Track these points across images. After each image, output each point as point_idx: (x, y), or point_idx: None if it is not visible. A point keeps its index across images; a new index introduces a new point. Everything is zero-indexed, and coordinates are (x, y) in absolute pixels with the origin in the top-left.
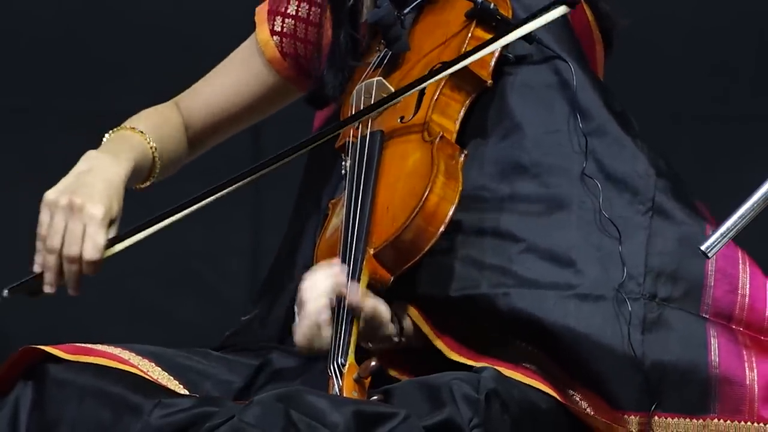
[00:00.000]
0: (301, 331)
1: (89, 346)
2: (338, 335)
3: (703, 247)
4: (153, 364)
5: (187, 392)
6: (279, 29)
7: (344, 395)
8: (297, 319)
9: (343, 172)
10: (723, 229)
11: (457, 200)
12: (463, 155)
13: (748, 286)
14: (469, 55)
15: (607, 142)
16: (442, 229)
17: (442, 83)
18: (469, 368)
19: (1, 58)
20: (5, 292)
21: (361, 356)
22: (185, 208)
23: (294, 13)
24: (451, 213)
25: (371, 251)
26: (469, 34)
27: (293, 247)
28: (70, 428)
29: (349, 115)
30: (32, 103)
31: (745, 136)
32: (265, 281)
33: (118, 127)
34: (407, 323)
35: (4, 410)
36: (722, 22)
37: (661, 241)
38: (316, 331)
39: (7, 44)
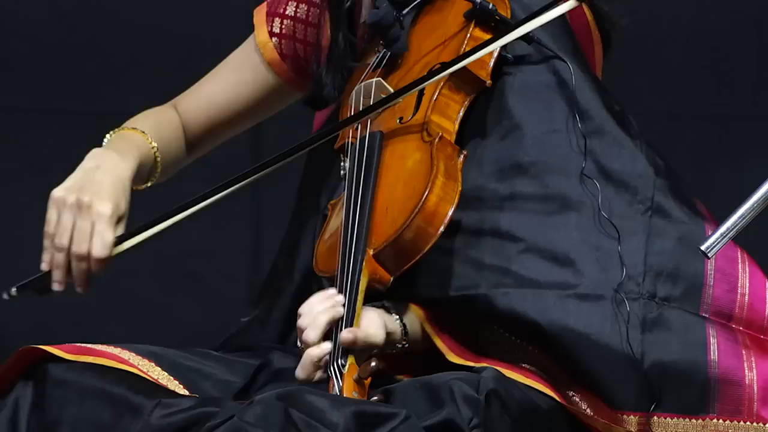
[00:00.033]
0: (303, 371)
1: (89, 346)
2: (338, 340)
3: (703, 247)
4: (153, 364)
5: (187, 392)
6: (278, 31)
7: (344, 395)
8: (299, 343)
9: (342, 173)
10: (723, 229)
11: (456, 200)
12: (462, 156)
13: (747, 285)
14: (468, 56)
15: (606, 142)
16: (441, 229)
17: (441, 84)
18: (469, 368)
19: (0, 58)
20: (13, 290)
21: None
22: (192, 206)
23: (293, 14)
24: (450, 213)
25: (371, 252)
26: (468, 35)
27: (292, 249)
28: (71, 428)
29: (349, 115)
30: (32, 103)
31: (745, 136)
32: (264, 283)
33: (119, 128)
34: (412, 325)
35: (4, 410)
36: (722, 22)
37: (660, 241)
38: (315, 371)
39: (6, 44)
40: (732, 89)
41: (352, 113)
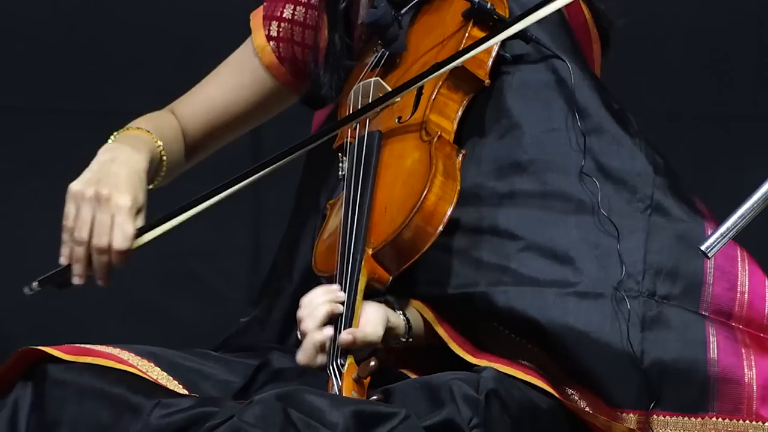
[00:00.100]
0: (304, 354)
1: (88, 346)
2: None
3: (703, 247)
4: (152, 364)
5: (186, 392)
6: (275, 34)
7: (344, 395)
8: (299, 335)
9: (341, 173)
10: (723, 229)
11: (455, 200)
12: (461, 155)
13: (747, 283)
14: (464, 53)
15: (606, 140)
16: (440, 228)
17: (440, 83)
18: (469, 368)
19: (0, 58)
20: (35, 284)
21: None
22: (213, 196)
23: (290, 17)
24: (449, 212)
25: (370, 251)
26: (466, 34)
27: (292, 249)
28: (70, 428)
29: (347, 115)
30: (32, 103)
31: (745, 136)
32: (263, 283)
33: (123, 128)
34: (415, 320)
35: (3, 411)
36: (722, 22)
37: (659, 239)
38: (316, 355)
39: (6, 44)
40: (732, 89)
41: (351, 113)
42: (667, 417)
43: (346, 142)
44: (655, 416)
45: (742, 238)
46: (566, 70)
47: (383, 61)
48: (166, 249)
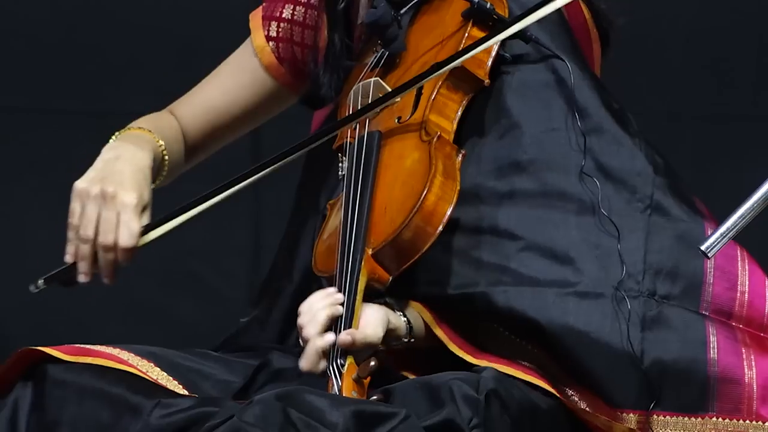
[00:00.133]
0: (307, 360)
1: (88, 346)
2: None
3: (703, 247)
4: (152, 364)
5: (186, 392)
6: (274, 34)
7: (344, 395)
8: (301, 342)
9: (341, 173)
10: (723, 229)
11: (455, 200)
12: (461, 155)
13: (747, 283)
14: (464, 53)
15: (606, 140)
16: (440, 228)
17: (440, 83)
18: (469, 368)
19: (0, 58)
20: (40, 282)
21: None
22: (217, 195)
23: (289, 17)
24: (449, 212)
25: (370, 251)
26: (466, 34)
27: (292, 249)
28: (70, 428)
29: (347, 115)
30: (32, 103)
31: (745, 136)
32: (263, 283)
33: (125, 129)
34: (415, 320)
35: (3, 411)
36: (722, 22)
37: (659, 239)
38: (319, 361)
39: (6, 44)
40: (732, 89)
41: (350, 113)
42: (667, 417)
43: (346, 142)
44: (655, 416)
45: (742, 238)
46: (566, 69)
47: (383, 61)
48: (166, 249)
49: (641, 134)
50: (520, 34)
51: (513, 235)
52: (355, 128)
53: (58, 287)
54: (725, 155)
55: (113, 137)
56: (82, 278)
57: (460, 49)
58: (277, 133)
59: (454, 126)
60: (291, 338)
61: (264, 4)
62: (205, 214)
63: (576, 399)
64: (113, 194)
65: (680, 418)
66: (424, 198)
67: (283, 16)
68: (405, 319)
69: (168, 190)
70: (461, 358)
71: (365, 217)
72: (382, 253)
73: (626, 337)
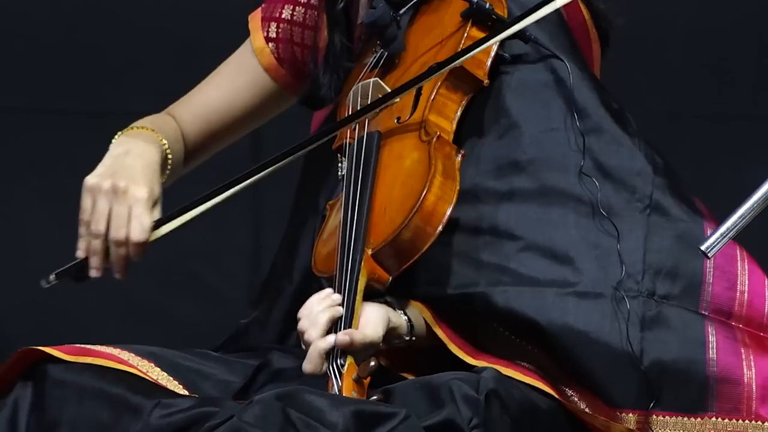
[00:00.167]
0: (310, 363)
1: (88, 346)
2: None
3: (703, 247)
4: (152, 364)
5: (186, 392)
6: (274, 35)
7: (344, 395)
8: (303, 346)
9: (340, 173)
10: (723, 229)
11: (454, 200)
12: (460, 155)
13: (747, 282)
14: (463, 53)
15: (605, 140)
16: (440, 228)
17: (439, 83)
18: (470, 368)
19: (0, 58)
20: (52, 277)
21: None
22: (231, 187)
23: (289, 17)
24: (449, 213)
25: (369, 251)
26: (465, 34)
27: (291, 249)
28: (70, 429)
29: (346, 116)
30: (32, 103)
31: (745, 136)
32: (263, 283)
33: (126, 129)
34: (416, 319)
35: (3, 411)
36: (722, 22)
37: (659, 239)
38: (322, 363)
39: (6, 44)
40: (732, 89)
41: (350, 114)
42: (666, 417)
43: (346, 142)
44: (654, 416)
45: (742, 238)
46: (565, 69)
47: (382, 61)
48: (166, 249)
49: (640, 134)
50: (519, 34)
51: (512, 235)
52: (355, 129)
53: (69, 282)
54: (725, 155)
55: (116, 137)
56: (93, 273)
57: (460, 49)
58: (277, 133)
59: (454, 126)
60: (291, 338)
61: (263, 5)
62: (204, 214)
63: (575, 399)
64: (125, 189)
65: (679, 418)
66: (423, 198)
67: (283, 16)
68: (406, 317)
69: (168, 190)
70: (458, 359)
71: (365, 217)
72: (381, 253)
73: (625, 337)
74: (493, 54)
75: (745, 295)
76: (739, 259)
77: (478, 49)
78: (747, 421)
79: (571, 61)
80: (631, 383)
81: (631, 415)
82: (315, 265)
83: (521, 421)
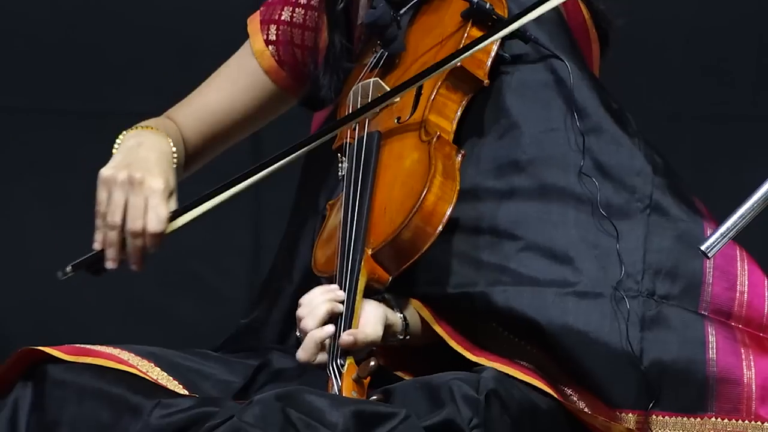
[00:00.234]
0: (304, 352)
1: (88, 346)
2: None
3: (703, 247)
4: (152, 364)
5: (186, 392)
6: (274, 38)
7: (344, 395)
8: (298, 334)
9: (340, 173)
10: (723, 229)
11: (454, 200)
12: (460, 155)
13: (746, 283)
14: (463, 53)
15: (605, 140)
16: (440, 228)
17: (439, 83)
18: (469, 368)
19: (0, 58)
20: (68, 269)
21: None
22: (246, 179)
23: (288, 19)
24: (449, 212)
25: (369, 251)
26: (465, 34)
27: (292, 249)
28: (70, 429)
29: (346, 116)
30: (32, 103)
31: (745, 136)
32: (263, 283)
33: (131, 129)
34: (412, 317)
35: (3, 411)
36: (722, 23)
37: (659, 239)
38: (316, 353)
39: (6, 44)
40: (732, 89)
41: (350, 113)
42: (666, 417)
43: (346, 142)
44: (654, 416)
45: (742, 238)
46: (565, 69)
47: (382, 61)
48: (166, 249)
49: (640, 134)
50: (519, 34)
51: (512, 235)
52: (355, 129)
53: (85, 274)
54: (725, 155)
55: (120, 136)
56: (109, 265)
57: (460, 49)
58: (277, 134)
59: (454, 126)
60: (291, 338)
61: (261, 8)
62: (204, 215)
63: (575, 399)
64: (141, 180)
65: (679, 418)
66: (423, 198)
67: (283, 18)
68: (401, 315)
69: None
70: (458, 359)
71: (365, 217)
72: (381, 253)
73: (625, 337)
74: (493, 54)
75: (745, 295)
76: (738, 259)
77: (477, 48)
78: (747, 422)
79: (571, 61)
80: (631, 383)
81: (630, 415)
82: (315, 265)
83: (521, 421)
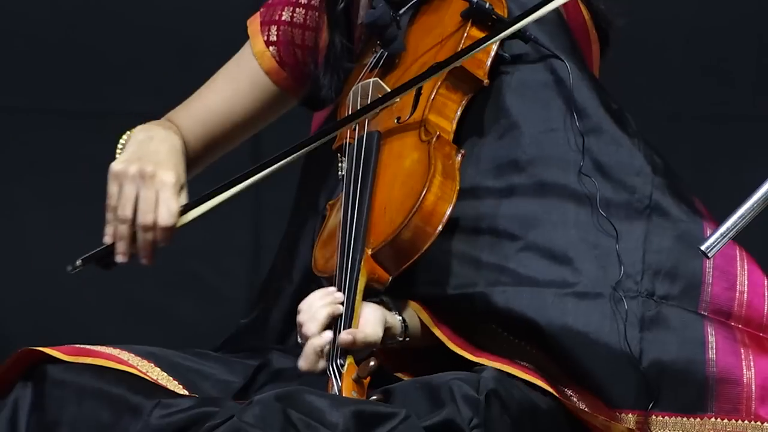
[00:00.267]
0: (305, 360)
1: (88, 347)
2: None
3: (703, 248)
4: (152, 364)
5: (186, 392)
6: (274, 39)
7: (344, 395)
8: (299, 340)
9: (340, 173)
10: (723, 229)
11: (454, 200)
12: (460, 155)
13: (746, 283)
14: (463, 53)
15: (604, 140)
16: (439, 228)
17: (439, 83)
18: (469, 368)
19: (0, 58)
20: (78, 262)
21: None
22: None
23: (289, 19)
24: (448, 212)
25: (369, 251)
26: (465, 34)
27: (291, 249)
28: (70, 428)
29: (346, 116)
30: (32, 103)
31: (745, 136)
32: (263, 283)
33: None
34: (411, 319)
35: (3, 411)
36: (722, 23)
37: (658, 239)
38: (317, 360)
39: (6, 44)
40: (732, 89)
41: (350, 113)
42: (665, 417)
43: (346, 142)
44: (653, 416)
45: (742, 238)
46: (565, 70)
47: (382, 61)
48: (166, 249)
49: (640, 134)
50: (519, 34)
51: (512, 235)
52: (355, 129)
53: (95, 268)
54: (725, 155)
55: (125, 135)
56: (120, 259)
57: (459, 48)
58: (277, 134)
59: (454, 126)
60: (291, 338)
61: (261, 9)
62: (204, 215)
63: (575, 399)
64: (152, 173)
65: (679, 418)
66: (423, 198)
67: (283, 19)
68: (400, 317)
69: None
70: (457, 360)
71: (365, 217)
72: (381, 253)
73: (624, 338)
74: (493, 54)
75: (745, 295)
76: (738, 259)
77: (478, 49)
78: (746, 422)
79: (571, 62)
80: (631, 383)
81: (630, 415)
82: (315, 265)
83: (521, 421)
